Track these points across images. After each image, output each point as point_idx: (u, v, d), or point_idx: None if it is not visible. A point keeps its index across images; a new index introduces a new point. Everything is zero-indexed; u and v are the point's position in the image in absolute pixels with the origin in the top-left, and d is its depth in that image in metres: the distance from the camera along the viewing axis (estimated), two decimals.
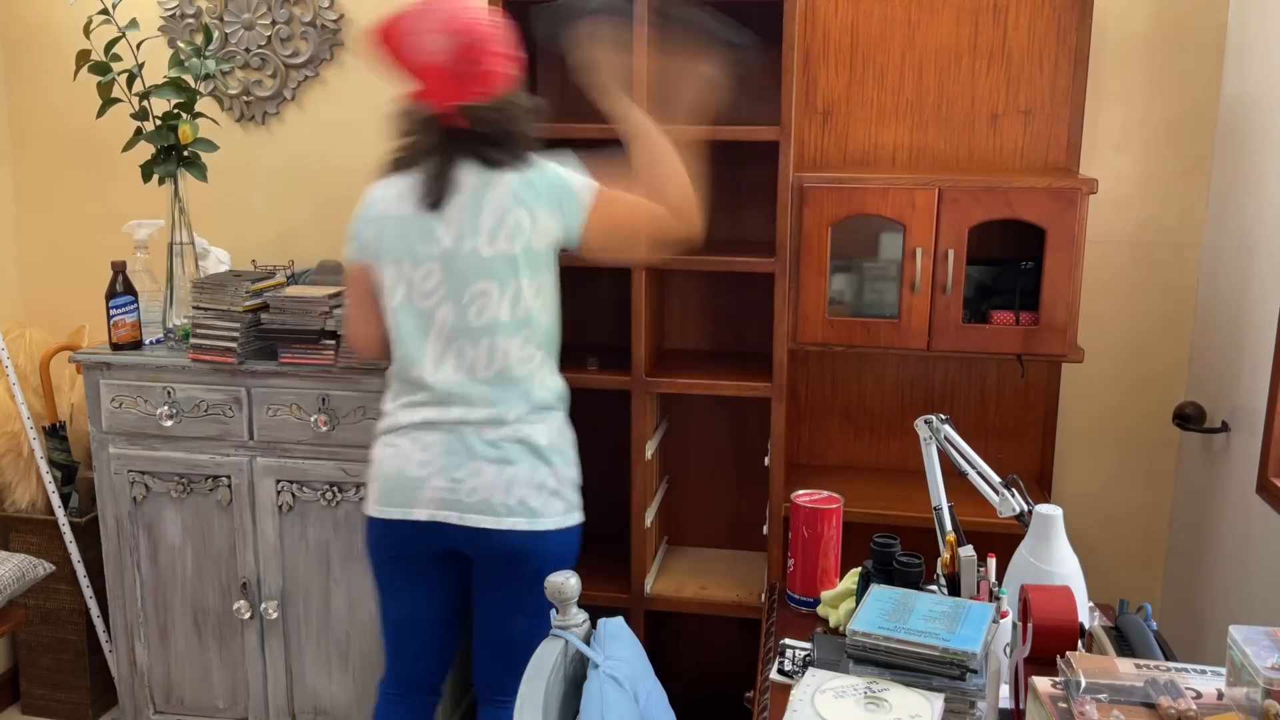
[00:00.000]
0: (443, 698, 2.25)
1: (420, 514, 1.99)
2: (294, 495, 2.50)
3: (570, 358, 2.62)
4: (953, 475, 1.79)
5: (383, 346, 2.08)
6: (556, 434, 2.04)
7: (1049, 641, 1.38)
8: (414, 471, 1.98)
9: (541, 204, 1.94)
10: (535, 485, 1.99)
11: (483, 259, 1.93)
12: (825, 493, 2.01)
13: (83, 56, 2.54)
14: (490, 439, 1.96)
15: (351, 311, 2.12)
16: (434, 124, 1.95)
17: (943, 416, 1.84)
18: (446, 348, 1.97)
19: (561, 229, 1.96)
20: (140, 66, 2.61)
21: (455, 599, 2.13)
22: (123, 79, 2.59)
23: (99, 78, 2.56)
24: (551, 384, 2.05)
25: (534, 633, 2.08)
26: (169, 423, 2.51)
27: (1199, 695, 1.21)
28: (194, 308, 2.50)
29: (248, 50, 2.86)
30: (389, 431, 2.03)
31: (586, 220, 1.96)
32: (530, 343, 1.99)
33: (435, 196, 1.93)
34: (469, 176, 1.93)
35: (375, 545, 2.09)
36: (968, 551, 1.65)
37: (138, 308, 2.61)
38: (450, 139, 1.94)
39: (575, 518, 2.06)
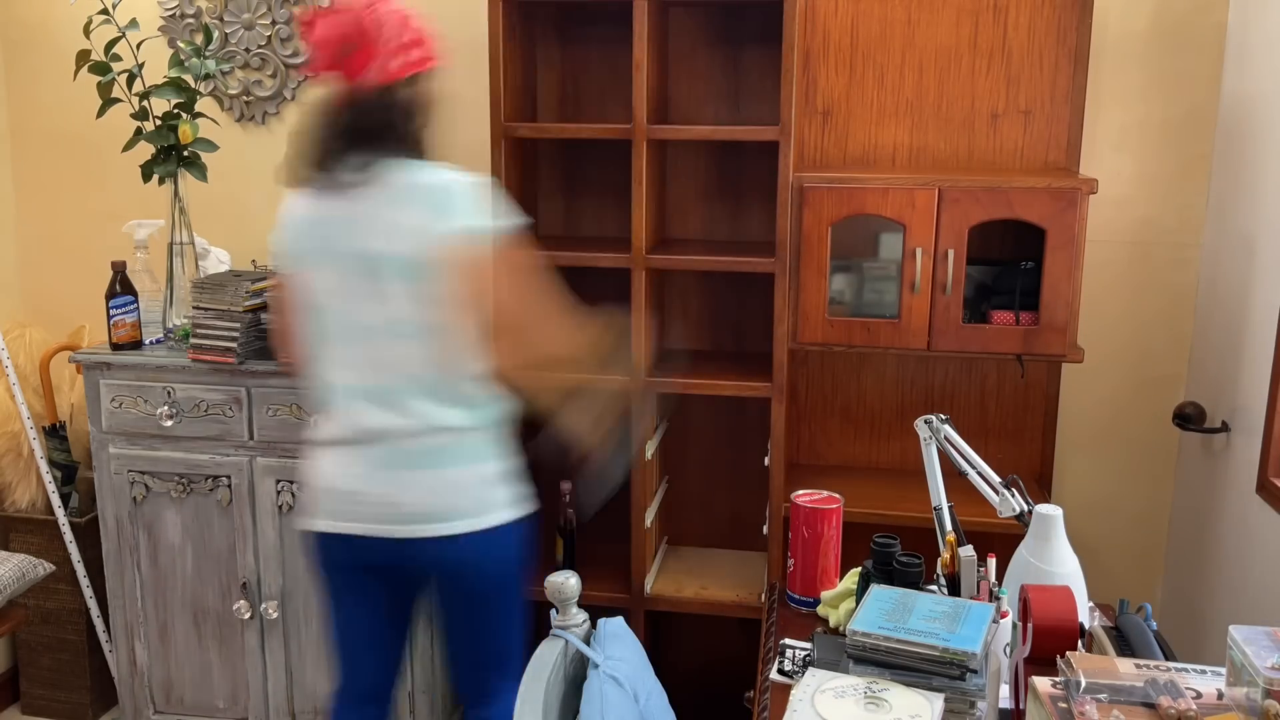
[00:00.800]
0: (394, 705, 2.19)
1: (358, 528, 1.93)
2: (294, 495, 2.50)
3: None
4: (953, 475, 1.79)
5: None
6: (491, 422, 1.97)
7: (1049, 641, 1.38)
8: (348, 485, 1.92)
9: (448, 215, 1.85)
10: (478, 481, 1.94)
11: (389, 257, 1.85)
12: (825, 493, 2.00)
13: (83, 56, 2.54)
14: (424, 444, 1.90)
15: (276, 316, 2.04)
16: (328, 111, 1.90)
17: (943, 416, 1.84)
18: (365, 347, 1.90)
19: (438, 234, 1.83)
20: (140, 66, 2.61)
21: (401, 608, 2.10)
22: (123, 79, 2.59)
23: (99, 78, 2.55)
24: (470, 390, 1.94)
25: (506, 628, 2.06)
26: (169, 423, 2.51)
27: (1199, 695, 1.21)
28: (194, 308, 2.50)
29: (248, 50, 2.86)
30: (326, 444, 1.96)
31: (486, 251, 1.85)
32: (448, 348, 1.90)
33: (332, 185, 1.87)
34: (369, 164, 1.86)
35: (318, 556, 2.03)
36: (968, 551, 1.65)
37: (138, 308, 2.61)
38: (337, 124, 1.88)
39: (518, 512, 1.98)
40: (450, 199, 1.85)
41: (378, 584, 2.03)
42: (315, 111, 1.94)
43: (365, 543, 1.94)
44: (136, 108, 2.60)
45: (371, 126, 1.89)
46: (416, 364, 1.89)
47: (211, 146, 2.64)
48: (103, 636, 2.93)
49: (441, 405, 1.90)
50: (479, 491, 1.94)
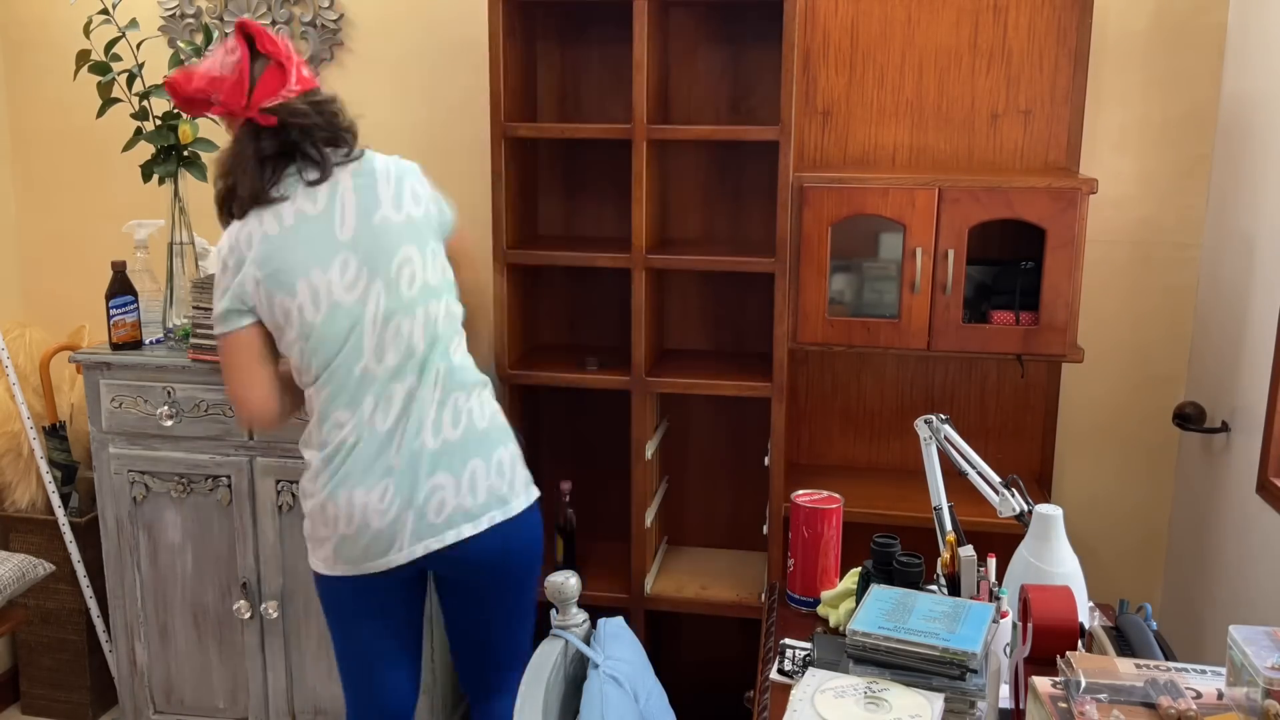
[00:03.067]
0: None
1: (399, 558, 1.89)
2: (294, 495, 2.50)
3: (570, 357, 2.64)
4: (953, 475, 1.79)
5: (283, 409, 1.98)
6: (493, 411, 1.98)
7: (1049, 641, 1.38)
8: (376, 523, 1.87)
9: (424, 183, 1.97)
10: (496, 471, 1.92)
11: (396, 226, 1.88)
12: (825, 493, 2.00)
13: (83, 56, 2.54)
14: (436, 444, 1.87)
15: (244, 378, 1.92)
16: (251, 133, 1.87)
17: (943, 416, 1.84)
18: (384, 330, 1.87)
19: (438, 213, 1.98)
20: (140, 66, 2.61)
21: (421, 614, 2.08)
22: (123, 79, 2.59)
23: (99, 78, 2.56)
24: (469, 358, 1.99)
25: (518, 625, 2.05)
26: (169, 423, 2.51)
27: (1199, 695, 1.21)
28: (194, 308, 2.50)
29: None
30: (331, 480, 1.89)
31: (455, 224, 2.04)
32: (453, 309, 1.96)
33: (300, 194, 1.87)
34: (329, 160, 1.89)
35: (338, 593, 1.97)
36: (968, 551, 1.65)
37: (138, 308, 2.61)
38: (274, 138, 1.86)
39: (535, 492, 2.00)
40: (421, 181, 1.97)
41: (404, 596, 2.00)
42: (242, 139, 1.88)
43: (406, 569, 1.92)
44: (136, 108, 2.60)
45: (320, 125, 1.90)
46: (443, 324, 1.92)
47: (211, 146, 2.64)
48: (103, 636, 2.93)
49: (454, 360, 1.94)
50: (511, 474, 1.95)
